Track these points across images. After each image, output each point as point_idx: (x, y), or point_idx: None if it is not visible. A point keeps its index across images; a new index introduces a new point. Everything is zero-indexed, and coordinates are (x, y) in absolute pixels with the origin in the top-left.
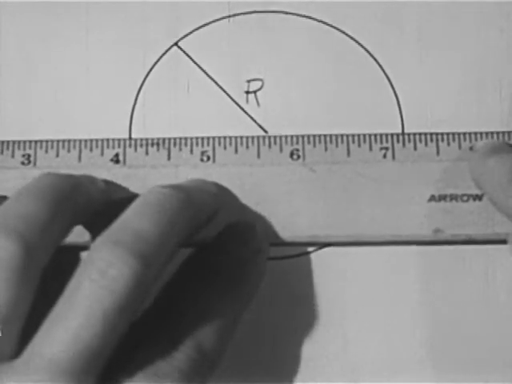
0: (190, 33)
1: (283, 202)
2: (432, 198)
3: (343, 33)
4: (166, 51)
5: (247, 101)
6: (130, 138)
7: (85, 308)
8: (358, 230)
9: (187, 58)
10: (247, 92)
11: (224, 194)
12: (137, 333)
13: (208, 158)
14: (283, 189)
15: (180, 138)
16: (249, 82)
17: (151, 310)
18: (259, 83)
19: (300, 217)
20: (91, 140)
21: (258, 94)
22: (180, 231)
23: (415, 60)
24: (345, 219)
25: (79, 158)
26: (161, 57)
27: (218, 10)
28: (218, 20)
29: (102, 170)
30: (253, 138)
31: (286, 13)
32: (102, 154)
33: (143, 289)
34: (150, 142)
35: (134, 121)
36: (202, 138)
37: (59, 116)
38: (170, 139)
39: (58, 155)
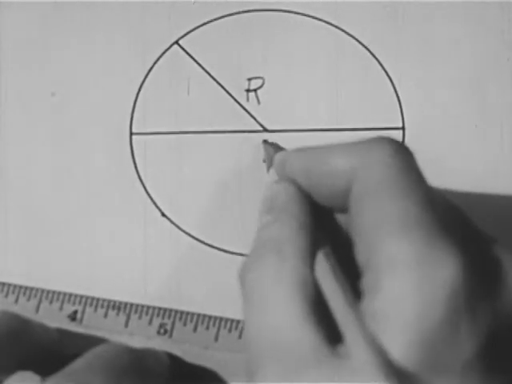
0: (191, 31)
1: None
2: None
3: (344, 31)
4: (167, 49)
5: (248, 99)
6: (93, 297)
7: None
8: None
9: (188, 56)
10: (248, 90)
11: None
12: None
13: (165, 332)
14: None
15: (142, 306)
16: (249, 80)
17: None
18: (260, 81)
19: None
20: (53, 292)
21: (259, 92)
22: None
23: (415, 59)
24: None
25: (37, 309)
26: (161, 55)
27: (218, 8)
28: (218, 18)
29: (56, 325)
30: (215, 319)
31: (287, 11)
32: (61, 308)
33: None
34: (111, 304)
35: (134, 118)
36: (165, 310)
37: (59, 114)
38: (132, 305)
39: (16, 301)
